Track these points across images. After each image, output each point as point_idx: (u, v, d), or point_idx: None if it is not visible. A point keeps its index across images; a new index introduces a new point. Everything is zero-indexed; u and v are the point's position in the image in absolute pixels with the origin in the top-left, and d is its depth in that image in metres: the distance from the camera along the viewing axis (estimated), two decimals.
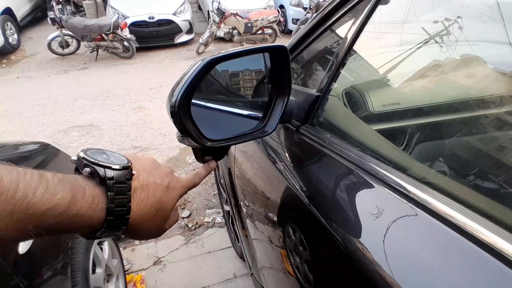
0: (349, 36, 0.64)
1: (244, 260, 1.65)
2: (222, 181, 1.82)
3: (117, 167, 0.38)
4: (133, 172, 0.40)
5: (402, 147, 0.67)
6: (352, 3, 0.68)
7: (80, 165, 0.38)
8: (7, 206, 0.29)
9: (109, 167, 0.37)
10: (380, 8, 0.61)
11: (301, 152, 0.76)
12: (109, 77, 5.23)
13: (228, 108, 0.70)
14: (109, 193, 0.36)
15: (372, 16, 0.61)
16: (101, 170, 0.37)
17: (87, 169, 0.37)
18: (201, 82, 0.51)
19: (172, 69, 5.64)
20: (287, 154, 0.80)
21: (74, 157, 0.39)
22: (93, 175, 0.37)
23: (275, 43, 0.73)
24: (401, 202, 0.46)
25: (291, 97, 0.72)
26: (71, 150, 3.11)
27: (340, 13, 0.72)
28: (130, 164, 0.39)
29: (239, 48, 0.58)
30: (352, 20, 0.66)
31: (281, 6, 7.72)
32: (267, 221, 0.91)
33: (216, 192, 2.58)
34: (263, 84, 0.81)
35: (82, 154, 0.38)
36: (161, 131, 3.63)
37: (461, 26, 0.63)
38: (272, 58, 0.64)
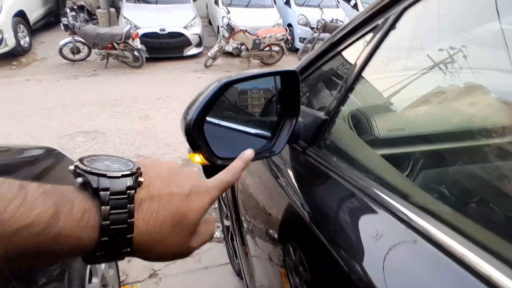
0: (359, 63, 0.67)
1: (242, 278, 1.63)
2: (224, 195, 1.82)
3: (115, 174, 0.31)
4: (140, 179, 0.33)
5: (406, 174, 0.68)
6: (363, 32, 0.71)
7: (74, 175, 0.31)
8: None
9: (104, 175, 0.30)
10: (390, 36, 0.63)
11: (307, 173, 0.77)
12: (117, 85, 5.31)
13: (237, 126, 0.72)
14: (102, 207, 0.29)
15: (382, 44, 0.64)
16: (93, 179, 0.30)
17: (80, 179, 0.30)
18: (216, 103, 0.52)
19: (180, 80, 5.72)
20: (292, 174, 0.81)
21: (72, 167, 0.32)
22: (86, 186, 0.30)
23: (286, 68, 0.75)
24: (402, 228, 0.47)
25: (298, 118, 0.73)
26: (76, 155, 3.13)
27: (351, 40, 0.75)
28: (135, 171, 0.33)
29: (253, 71, 0.60)
30: (363, 47, 0.68)
31: (289, 25, 7.90)
32: (267, 238, 0.91)
33: (217, 205, 2.57)
34: (272, 103, 0.82)
35: (77, 162, 0.32)
36: (165, 141, 3.66)
37: (466, 55, 0.65)
38: (283, 81, 0.66)
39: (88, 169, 0.31)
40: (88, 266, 1.36)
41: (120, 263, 1.97)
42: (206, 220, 0.39)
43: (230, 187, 1.45)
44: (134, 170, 0.33)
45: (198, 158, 0.53)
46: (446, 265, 0.39)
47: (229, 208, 1.59)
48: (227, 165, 0.58)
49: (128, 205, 0.31)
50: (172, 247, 0.35)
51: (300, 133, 0.78)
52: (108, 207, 0.30)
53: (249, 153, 0.46)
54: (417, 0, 0.58)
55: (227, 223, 1.89)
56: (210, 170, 0.57)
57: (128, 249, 0.31)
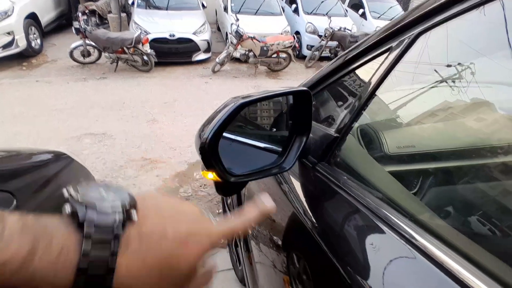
0: (372, 83, 0.68)
1: (245, 285, 1.63)
2: (229, 201, 1.83)
3: (107, 206, 0.28)
4: (134, 215, 0.29)
5: (414, 191, 0.69)
6: (377, 53, 0.72)
7: (65, 201, 0.28)
8: None
9: (93, 207, 0.27)
10: (404, 59, 0.65)
11: (315, 189, 0.78)
12: (126, 89, 5.37)
13: (248, 140, 0.74)
14: (84, 242, 0.26)
15: (395, 67, 0.65)
16: (81, 210, 0.27)
17: (67, 208, 0.27)
18: (230, 123, 0.54)
19: (188, 85, 5.77)
20: (301, 188, 0.82)
21: (65, 191, 0.29)
22: (74, 216, 0.27)
23: (298, 88, 0.76)
24: (406, 248, 0.48)
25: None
26: (83, 156, 3.16)
27: (364, 60, 0.76)
28: (127, 205, 0.29)
29: (267, 92, 0.62)
30: (376, 68, 0.69)
31: (297, 32, 7.96)
32: (272, 245, 0.92)
33: (221, 210, 2.58)
34: (282, 117, 0.84)
35: (70, 187, 0.29)
36: (171, 145, 3.68)
37: (473, 72, 0.66)
38: (295, 99, 0.68)
39: (78, 197, 0.28)
40: None
41: None
42: (207, 268, 0.34)
43: (237, 193, 1.45)
44: (125, 203, 0.29)
45: (211, 175, 0.55)
46: (446, 285, 0.40)
47: (234, 214, 1.59)
48: (239, 182, 0.60)
49: (112, 241, 0.27)
50: None
51: (310, 149, 0.79)
52: (90, 242, 0.26)
53: (270, 204, 0.37)
54: (432, 26, 0.59)
55: None
56: (222, 186, 0.58)
57: None
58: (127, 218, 0.28)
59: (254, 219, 0.36)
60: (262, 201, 0.37)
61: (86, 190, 0.29)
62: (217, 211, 2.67)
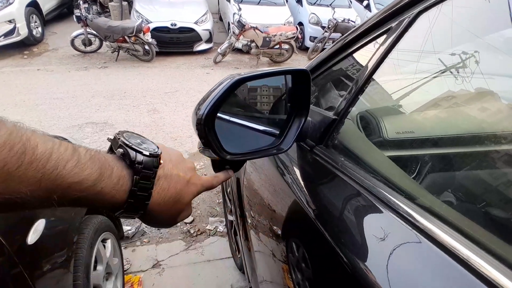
0: (371, 65, 0.67)
1: (244, 273, 1.65)
2: (229, 190, 1.83)
3: (147, 153, 0.39)
4: (161, 161, 0.41)
5: (413, 176, 0.68)
6: (376, 34, 0.71)
7: (114, 145, 0.40)
8: (36, 173, 0.30)
9: (141, 152, 0.39)
10: (404, 39, 0.63)
11: (314, 172, 0.78)
12: (127, 78, 5.36)
13: (247, 123, 0.73)
14: (135, 176, 0.38)
15: (395, 47, 0.64)
16: (132, 153, 0.38)
17: (120, 150, 0.39)
18: (227, 99, 0.53)
19: (189, 75, 5.75)
20: (299, 172, 0.82)
21: (111, 136, 0.41)
22: (125, 157, 0.38)
23: (298, 67, 0.75)
24: (407, 229, 0.48)
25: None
26: (84, 145, 3.16)
27: (363, 42, 0.75)
28: (159, 153, 0.41)
29: (265, 69, 0.61)
30: (376, 50, 0.68)
31: (300, 23, 7.87)
32: (271, 234, 0.92)
33: (221, 200, 2.59)
34: (281, 101, 0.83)
35: (118, 135, 0.40)
36: (172, 135, 3.68)
37: (477, 60, 0.65)
38: (293, 80, 0.67)
39: (130, 144, 0.39)
40: (94, 254, 1.38)
41: (124, 252, 2.00)
42: (190, 203, 0.47)
43: (236, 183, 1.46)
44: (158, 153, 0.40)
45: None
46: (450, 267, 0.39)
47: (234, 203, 1.60)
48: (235, 160, 0.59)
49: (152, 179, 0.39)
50: (167, 217, 0.44)
51: (308, 132, 0.78)
52: (138, 177, 0.38)
53: (231, 172, 0.58)
54: (432, 4, 0.58)
55: (230, 218, 1.91)
56: (218, 164, 0.58)
57: (142, 212, 0.40)
58: (158, 162, 0.40)
59: (223, 180, 0.56)
60: (227, 171, 0.58)
61: (130, 138, 0.40)
62: (217, 200, 2.68)
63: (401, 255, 0.47)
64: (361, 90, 0.69)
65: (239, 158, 0.58)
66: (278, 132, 0.72)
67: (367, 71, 0.67)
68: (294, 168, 0.88)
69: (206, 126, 0.50)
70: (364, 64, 0.71)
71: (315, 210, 0.67)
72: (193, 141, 3.56)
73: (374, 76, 0.68)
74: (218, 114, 0.59)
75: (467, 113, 0.73)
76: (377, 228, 0.54)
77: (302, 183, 0.79)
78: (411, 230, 0.47)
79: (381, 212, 0.55)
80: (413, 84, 0.80)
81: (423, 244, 0.44)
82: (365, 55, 0.74)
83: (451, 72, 0.71)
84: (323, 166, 0.71)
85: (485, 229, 0.44)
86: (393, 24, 0.66)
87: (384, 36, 0.68)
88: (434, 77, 0.75)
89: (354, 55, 0.81)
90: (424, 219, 0.47)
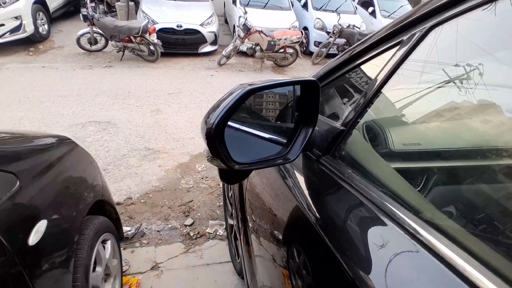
0: (380, 78, 0.67)
1: (243, 278, 1.64)
2: (230, 194, 1.82)
3: None
4: None
5: (418, 189, 0.68)
6: (387, 46, 0.71)
7: None
8: None
9: None
10: (415, 53, 0.63)
11: (320, 182, 0.77)
12: (131, 78, 5.37)
13: (254, 131, 0.73)
14: None
15: (406, 60, 0.63)
16: None
17: None
18: (237, 109, 0.53)
19: (193, 77, 5.76)
20: (304, 181, 0.82)
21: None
22: None
23: (307, 77, 0.74)
24: (409, 241, 0.48)
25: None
26: (86, 144, 3.18)
27: (374, 53, 0.75)
28: None
29: (275, 80, 0.61)
30: (387, 62, 0.68)
31: (305, 28, 7.89)
32: (272, 239, 0.91)
33: (222, 203, 2.58)
34: (287, 109, 0.83)
35: None
36: (175, 136, 3.68)
37: (481, 73, 0.65)
38: (302, 90, 0.67)
39: None
40: (93, 255, 1.38)
41: (123, 253, 1.99)
42: None
43: (239, 186, 1.45)
44: None
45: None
46: (449, 279, 0.39)
47: (235, 207, 1.60)
48: (243, 170, 0.59)
49: None
50: None
51: (315, 142, 0.78)
52: None
53: None
54: (444, 20, 0.58)
55: (231, 221, 1.90)
56: (226, 174, 0.57)
57: None
58: None
59: None
60: None
61: None
62: (217, 203, 2.68)
63: (402, 267, 0.47)
64: (370, 102, 0.69)
65: (246, 167, 0.58)
66: (285, 141, 0.72)
67: (377, 84, 0.67)
68: (298, 175, 0.87)
69: (216, 138, 0.49)
70: (373, 76, 0.71)
71: (318, 217, 0.67)
72: (196, 143, 3.56)
73: (384, 89, 0.68)
74: (229, 123, 0.59)
75: (472, 125, 0.72)
76: (378, 238, 0.54)
77: (306, 191, 0.78)
78: (412, 242, 0.47)
79: (384, 224, 0.55)
80: (420, 96, 0.80)
81: (426, 258, 0.44)
82: (374, 67, 0.73)
83: (455, 84, 0.71)
84: (329, 177, 0.70)
85: (485, 244, 0.44)
86: (404, 38, 0.65)
87: (394, 49, 0.67)
88: (440, 89, 0.75)
89: (363, 66, 0.81)
90: (426, 232, 0.47)
